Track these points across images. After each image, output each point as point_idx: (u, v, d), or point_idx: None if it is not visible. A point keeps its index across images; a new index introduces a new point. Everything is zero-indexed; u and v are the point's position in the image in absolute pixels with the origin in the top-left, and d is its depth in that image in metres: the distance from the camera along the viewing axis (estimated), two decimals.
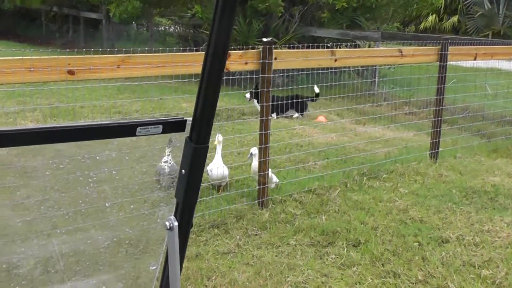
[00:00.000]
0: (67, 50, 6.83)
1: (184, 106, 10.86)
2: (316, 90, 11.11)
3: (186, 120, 1.47)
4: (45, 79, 4.73)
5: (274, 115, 10.39)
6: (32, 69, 4.51)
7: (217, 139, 6.27)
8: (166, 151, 4.97)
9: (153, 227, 1.76)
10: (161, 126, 1.46)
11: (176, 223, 1.48)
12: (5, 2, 24.56)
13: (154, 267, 1.71)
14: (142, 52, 5.71)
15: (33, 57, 4.66)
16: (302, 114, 11.19)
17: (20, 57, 4.56)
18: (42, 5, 23.90)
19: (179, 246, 1.48)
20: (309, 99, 11.32)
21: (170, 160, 5.20)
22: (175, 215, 1.50)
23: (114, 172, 1.88)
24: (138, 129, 1.44)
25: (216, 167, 6.23)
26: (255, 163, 6.27)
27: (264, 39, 6.01)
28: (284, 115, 11.03)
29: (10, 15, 26.59)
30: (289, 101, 10.11)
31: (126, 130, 1.46)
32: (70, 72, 4.62)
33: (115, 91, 10.73)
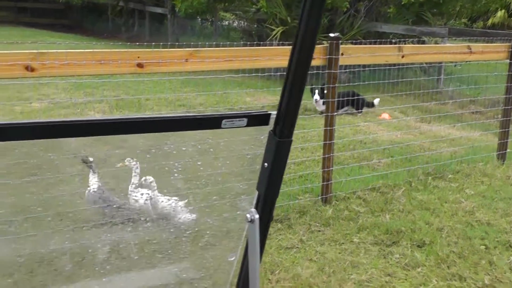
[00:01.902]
0: (133, 43, 6.92)
1: (247, 100, 10.88)
2: (376, 102, 10.96)
3: (270, 113, 1.45)
4: (115, 72, 4.81)
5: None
6: (102, 61, 4.59)
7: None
8: (90, 177, 4.04)
9: (233, 219, 1.76)
10: (245, 119, 1.45)
11: (257, 216, 1.47)
12: None
13: (233, 258, 1.70)
14: (210, 46, 5.74)
15: (104, 50, 4.74)
16: (360, 112, 11.03)
17: (92, 50, 4.65)
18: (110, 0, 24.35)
19: (259, 239, 1.47)
20: (365, 100, 11.10)
21: (101, 186, 4.14)
22: (256, 208, 1.49)
23: (199, 163, 1.89)
24: (224, 121, 1.43)
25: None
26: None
27: (331, 35, 5.96)
28: (341, 112, 10.89)
29: (78, 9, 27.21)
30: (345, 98, 10.01)
31: (212, 122, 1.46)
32: (139, 65, 4.68)
33: (180, 84, 10.84)
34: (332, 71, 5.90)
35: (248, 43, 8.98)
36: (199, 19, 23.40)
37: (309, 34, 1.31)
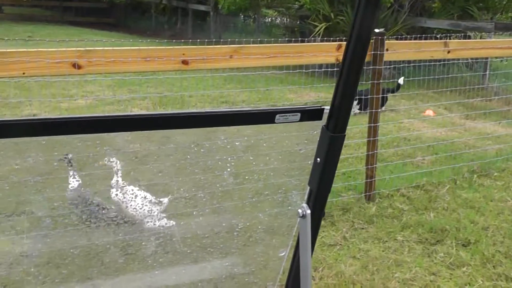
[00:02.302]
0: (176, 41, 6.97)
1: (290, 97, 10.87)
2: (401, 81, 10.34)
3: (324, 108, 1.45)
4: (160, 69, 4.86)
5: (357, 108, 10.06)
6: (148, 59, 4.64)
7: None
8: (71, 175, 3.78)
9: (284, 214, 1.76)
10: (299, 114, 1.45)
11: (308, 211, 1.46)
12: None
13: (283, 253, 1.71)
14: (253, 43, 5.74)
15: (150, 47, 4.79)
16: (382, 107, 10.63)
17: (137, 48, 4.70)
18: None
19: (311, 234, 1.46)
20: (389, 92, 10.36)
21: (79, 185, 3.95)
22: (307, 203, 1.48)
23: (251, 158, 1.90)
24: (277, 116, 1.44)
25: None
26: None
27: (376, 30, 5.91)
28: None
29: (122, 8, 27.53)
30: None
31: (265, 117, 1.46)
32: (184, 62, 4.71)
33: (222, 81, 10.86)
34: (377, 67, 5.86)
35: (292, 39, 8.98)
36: (242, 16, 23.46)
37: (364, 30, 1.31)
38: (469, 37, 14.50)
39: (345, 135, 1.44)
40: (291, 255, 1.61)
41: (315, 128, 1.44)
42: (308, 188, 1.49)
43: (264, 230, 2.01)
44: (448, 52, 6.54)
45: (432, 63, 7.88)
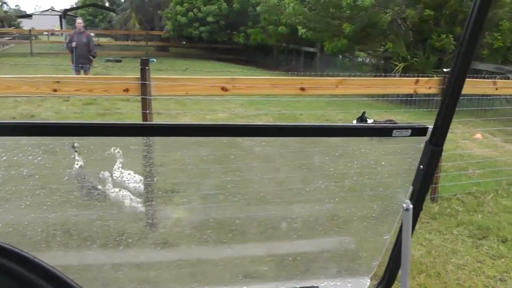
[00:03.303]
0: (291, 73, 6.99)
1: (376, 119, 10.65)
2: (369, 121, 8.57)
3: (428, 127, 1.43)
4: (284, 93, 4.93)
5: None
6: (276, 85, 4.73)
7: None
8: (76, 158, 3.74)
9: (391, 207, 1.74)
10: (410, 130, 1.44)
11: (411, 206, 1.43)
12: (250, 39, 25.82)
13: (386, 237, 1.69)
14: (350, 77, 5.72)
15: (277, 77, 4.87)
16: None
17: (268, 77, 4.80)
18: (275, 42, 24.77)
19: (411, 224, 1.46)
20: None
21: (82, 165, 3.84)
22: (410, 200, 1.45)
23: (372, 162, 1.90)
24: (394, 131, 1.43)
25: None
26: None
27: (445, 70, 5.80)
28: None
29: (252, 49, 27.94)
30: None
31: (384, 131, 1.45)
32: (302, 89, 4.76)
33: (324, 104, 10.83)
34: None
35: (377, 75, 8.82)
36: (340, 56, 23.23)
37: (465, 62, 1.28)
38: (508, 78, 13.80)
39: (442, 149, 1.40)
40: (392, 240, 1.59)
41: (419, 142, 1.43)
42: (411, 187, 1.46)
43: (373, 218, 2.00)
44: (496, 89, 6.30)
45: (480, 98, 7.54)
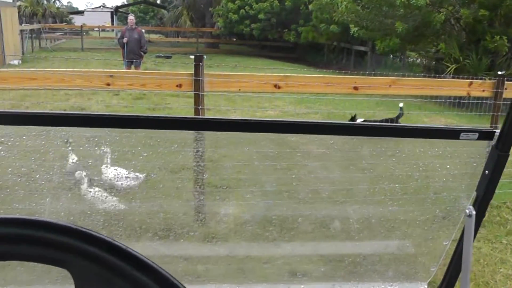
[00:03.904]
0: (341, 72, 6.89)
1: (425, 121, 10.38)
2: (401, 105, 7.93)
3: (495, 131, 1.37)
4: (336, 92, 4.87)
5: None
6: (329, 84, 4.67)
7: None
8: (70, 153, 3.70)
9: (452, 213, 1.68)
10: (477, 134, 1.39)
11: (474, 212, 1.38)
12: (301, 37, 25.71)
13: (446, 243, 1.63)
14: (403, 77, 5.60)
15: (330, 76, 4.81)
16: None
17: (321, 75, 4.75)
18: (326, 41, 24.56)
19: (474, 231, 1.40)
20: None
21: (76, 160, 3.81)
22: (473, 205, 1.40)
23: (432, 164, 1.85)
24: (462, 134, 1.38)
25: None
26: None
27: (499, 72, 5.60)
28: None
29: (303, 47, 27.80)
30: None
31: (451, 133, 1.40)
32: (355, 88, 4.68)
33: (374, 104, 10.63)
34: (497, 102, 5.53)
35: (428, 76, 8.58)
36: (391, 56, 22.80)
37: None
38: None
39: (509, 154, 1.34)
40: (451, 246, 1.53)
41: (485, 146, 1.37)
42: (475, 193, 1.41)
43: (434, 222, 1.94)
44: None
45: None
